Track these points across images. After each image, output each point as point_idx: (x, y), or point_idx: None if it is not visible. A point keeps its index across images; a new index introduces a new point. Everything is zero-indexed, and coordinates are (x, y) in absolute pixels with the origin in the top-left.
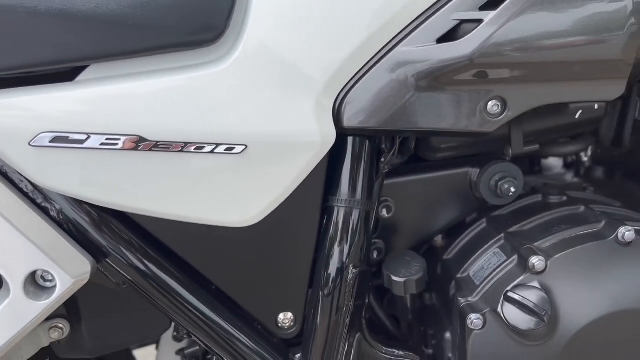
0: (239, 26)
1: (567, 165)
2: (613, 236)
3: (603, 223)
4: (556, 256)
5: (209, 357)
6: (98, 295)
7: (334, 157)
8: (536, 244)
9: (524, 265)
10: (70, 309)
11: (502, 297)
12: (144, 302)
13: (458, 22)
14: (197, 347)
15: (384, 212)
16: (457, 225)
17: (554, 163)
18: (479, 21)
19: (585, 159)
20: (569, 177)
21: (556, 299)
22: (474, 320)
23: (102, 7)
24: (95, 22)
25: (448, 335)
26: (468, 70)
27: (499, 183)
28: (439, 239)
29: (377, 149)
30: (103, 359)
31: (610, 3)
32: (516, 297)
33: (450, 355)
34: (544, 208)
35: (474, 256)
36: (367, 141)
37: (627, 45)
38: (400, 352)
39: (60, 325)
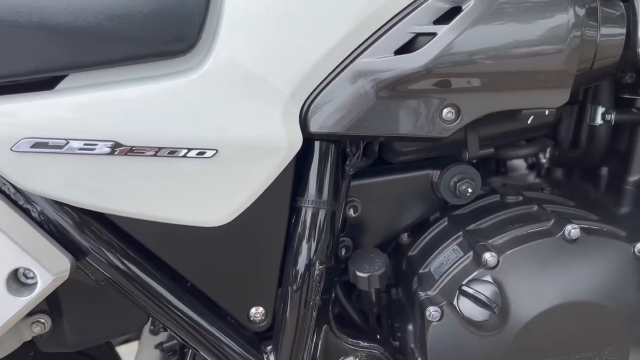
0: (211, 38)
1: (529, 167)
2: (560, 233)
3: (552, 221)
4: (507, 252)
5: (186, 350)
6: (78, 291)
7: (302, 160)
8: (490, 241)
9: (478, 261)
10: (51, 304)
11: (458, 291)
12: (122, 297)
13: (414, 35)
14: (175, 341)
15: (351, 212)
16: (422, 224)
17: (518, 164)
18: (433, 34)
19: (543, 160)
20: (531, 177)
21: (507, 292)
22: (432, 312)
23: (80, 19)
24: (73, 34)
25: (410, 327)
26: (423, 80)
27: (458, 184)
28: (404, 237)
29: (342, 153)
30: (86, 354)
31: (553, 17)
32: (470, 290)
33: (412, 346)
34: (500, 207)
35: (435, 252)
36: (333, 145)
37: (569, 57)
38: (365, 344)
39: (42, 320)
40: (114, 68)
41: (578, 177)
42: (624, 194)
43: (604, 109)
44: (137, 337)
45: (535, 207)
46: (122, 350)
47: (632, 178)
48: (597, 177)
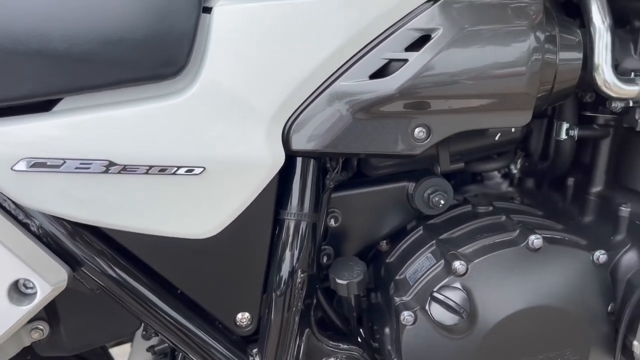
0: (198, 62)
1: (503, 176)
2: (524, 243)
3: (517, 231)
4: (476, 261)
5: (176, 353)
6: (74, 300)
7: (284, 175)
8: (460, 250)
9: (448, 269)
10: (49, 312)
11: (429, 297)
12: (116, 304)
13: (387, 60)
14: (166, 344)
15: (332, 222)
16: (400, 232)
17: (493, 173)
18: (405, 60)
19: (515, 171)
20: (504, 186)
21: (475, 298)
22: (406, 316)
23: (75, 46)
24: (69, 60)
25: (387, 330)
26: (396, 102)
27: (431, 196)
28: (383, 244)
29: (323, 167)
30: (81, 356)
31: (516, 44)
32: (440, 297)
33: (389, 347)
34: (471, 217)
35: (410, 260)
36: (313, 161)
37: (530, 80)
38: (345, 346)
39: (41, 327)
40: (107, 91)
41: (547, 187)
42: (587, 204)
43: (568, 125)
44: (129, 339)
45: (503, 218)
46: (113, 352)
47: (595, 189)
48: (564, 188)
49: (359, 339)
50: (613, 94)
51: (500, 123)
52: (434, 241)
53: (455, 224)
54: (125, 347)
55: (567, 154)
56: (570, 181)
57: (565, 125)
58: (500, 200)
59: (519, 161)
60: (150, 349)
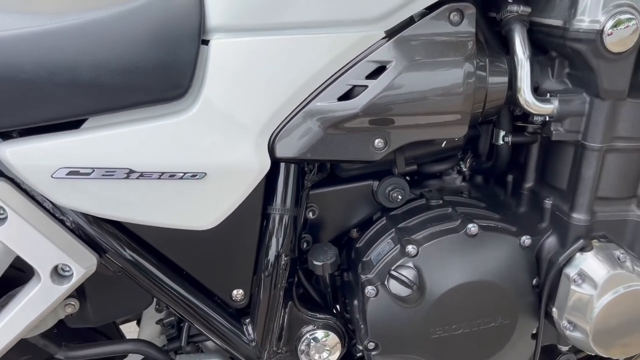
0: (198, 86)
1: (458, 173)
2: (464, 230)
3: (459, 221)
4: (425, 245)
5: (182, 324)
6: (100, 280)
7: (270, 177)
8: (413, 236)
9: (403, 252)
10: (79, 290)
11: (388, 274)
12: (133, 284)
13: (351, 86)
14: (173, 317)
15: (310, 215)
16: (367, 222)
17: (450, 171)
18: (365, 86)
19: (465, 169)
20: (458, 181)
21: (424, 275)
22: (370, 290)
23: (100, 76)
24: (94, 87)
25: (356, 302)
26: (359, 119)
27: (391, 192)
28: (354, 232)
29: (301, 170)
30: (97, 330)
31: (453, 72)
32: (396, 274)
33: (357, 316)
34: (425, 209)
35: (375, 244)
36: (294, 165)
37: (465, 100)
38: (321, 316)
39: (73, 303)
40: (124, 111)
41: (493, 183)
42: (522, 198)
43: (504, 132)
44: (135, 318)
45: (450, 209)
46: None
47: (527, 185)
48: (505, 184)
49: (334, 311)
50: (532, 111)
51: (442, 134)
52: (393, 229)
53: (411, 215)
54: (130, 325)
55: (505, 155)
56: (510, 178)
57: (501, 133)
58: (451, 194)
59: (468, 161)
60: (159, 321)
